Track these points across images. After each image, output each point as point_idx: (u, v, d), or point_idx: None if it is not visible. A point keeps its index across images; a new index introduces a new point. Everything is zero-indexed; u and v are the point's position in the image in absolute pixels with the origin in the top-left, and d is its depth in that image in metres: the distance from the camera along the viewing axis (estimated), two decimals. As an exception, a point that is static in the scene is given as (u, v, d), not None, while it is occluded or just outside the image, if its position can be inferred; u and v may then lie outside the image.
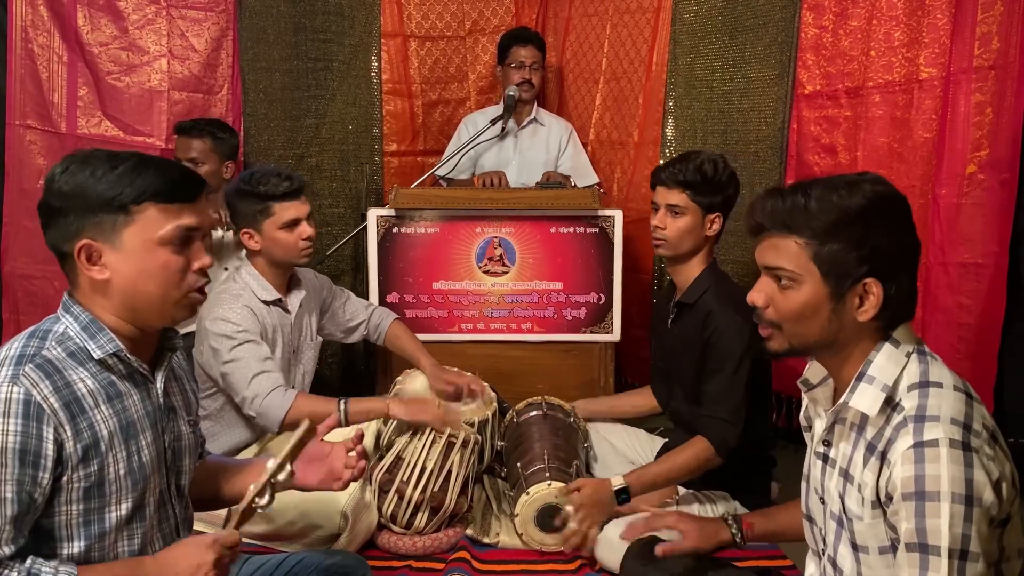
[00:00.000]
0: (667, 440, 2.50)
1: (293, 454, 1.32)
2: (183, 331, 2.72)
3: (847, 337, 1.26)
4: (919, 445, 1.13)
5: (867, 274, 1.20)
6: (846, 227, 1.20)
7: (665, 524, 1.71)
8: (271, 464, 1.29)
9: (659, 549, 1.68)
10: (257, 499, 1.25)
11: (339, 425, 2.20)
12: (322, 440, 1.49)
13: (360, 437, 1.50)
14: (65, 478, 1.16)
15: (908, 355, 1.23)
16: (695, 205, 2.19)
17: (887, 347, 1.24)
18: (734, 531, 1.70)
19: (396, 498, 2.23)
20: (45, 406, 1.14)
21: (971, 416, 1.16)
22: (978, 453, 1.12)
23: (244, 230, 2.28)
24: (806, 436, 1.45)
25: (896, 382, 1.21)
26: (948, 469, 1.10)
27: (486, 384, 2.61)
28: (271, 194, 2.23)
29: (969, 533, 1.09)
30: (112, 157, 1.21)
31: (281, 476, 1.29)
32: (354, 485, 2.15)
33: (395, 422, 2.34)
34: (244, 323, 2.22)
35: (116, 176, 1.19)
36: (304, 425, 1.35)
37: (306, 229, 2.28)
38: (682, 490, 2.27)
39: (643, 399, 2.67)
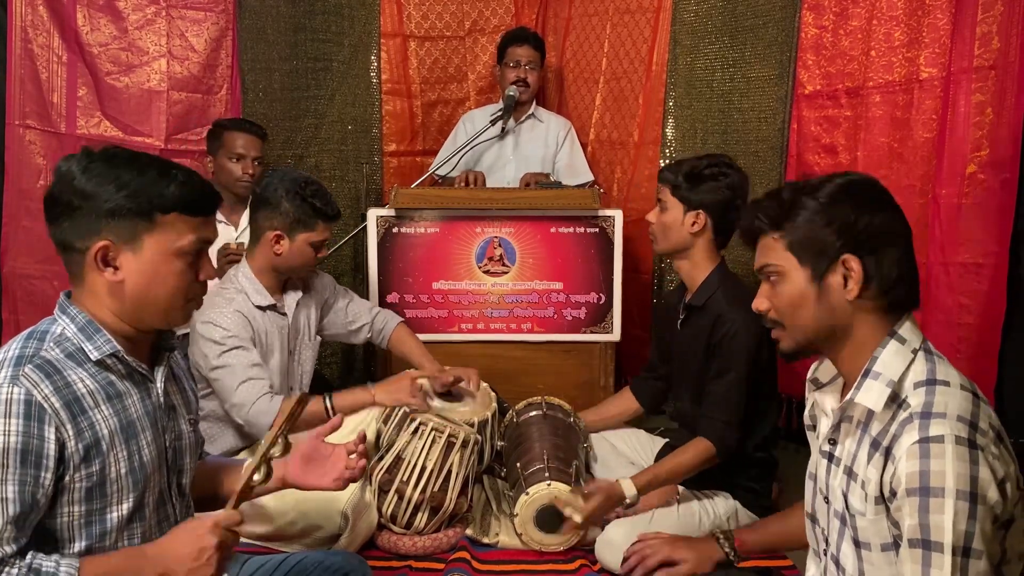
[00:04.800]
0: (667, 440, 2.51)
1: (286, 426, 1.33)
2: (181, 332, 2.74)
3: (844, 323, 1.28)
4: (924, 441, 1.13)
5: (842, 250, 1.24)
6: (814, 211, 1.25)
7: (659, 559, 1.73)
8: (265, 439, 1.31)
9: None
10: (255, 475, 1.26)
11: (327, 416, 2.23)
12: (323, 441, 1.49)
13: (363, 438, 1.50)
14: (67, 478, 1.16)
15: (914, 351, 1.24)
16: (675, 200, 2.24)
17: (893, 343, 1.25)
18: (727, 549, 1.71)
19: (396, 498, 2.23)
20: (46, 406, 1.14)
21: (977, 415, 1.16)
22: (983, 451, 1.12)
23: (276, 232, 2.29)
24: (810, 435, 1.46)
25: (902, 378, 1.22)
26: (953, 465, 1.10)
27: (485, 384, 2.61)
28: (323, 213, 2.31)
29: (973, 530, 1.09)
30: (134, 159, 1.22)
31: (276, 450, 1.30)
32: (354, 485, 2.15)
33: (395, 421, 2.34)
34: (233, 328, 2.23)
35: (145, 181, 1.20)
36: (294, 397, 1.38)
37: (324, 251, 2.39)
38: (682, 489, 2.27)
39: (621, 406, 2.66)
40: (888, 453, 1.18)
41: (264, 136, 2.98)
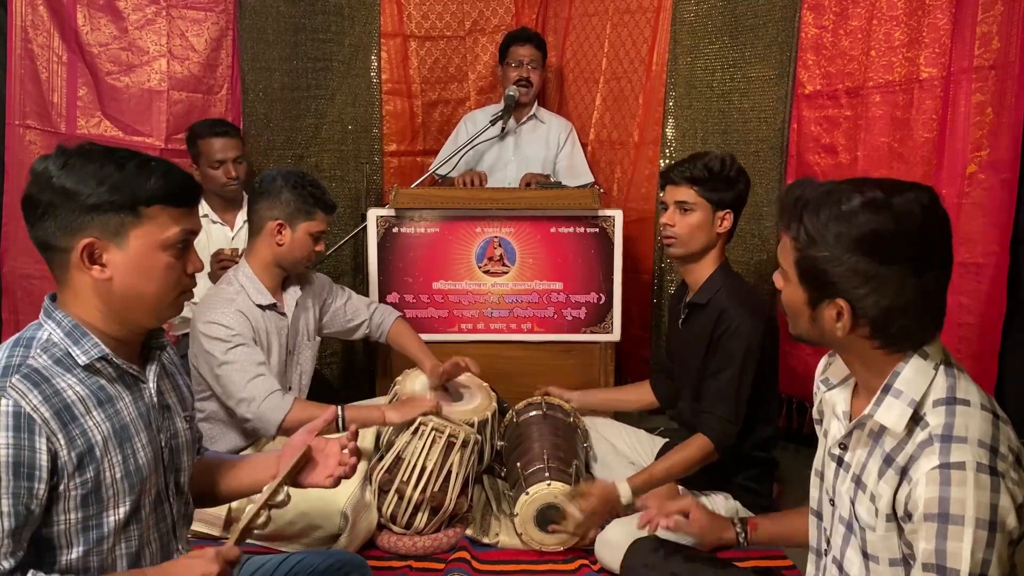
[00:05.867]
0: (667, 440, 2.50)
1: (290, 477, 1.36)
2: (179, 333, 2.74)
3: (839, 346, 1.26)
4: (945, 467, 1.11)
5: (840, 294, 1.18)
6: (830, 246, 1.17)
7: (679, 507, 1.73)
8: (268, 487, 1.32)
9: (664, 521, 1.71)
10: (255, 519, 1.27)
11: (336, 429, 2.21)
12: (317, 436, 1.49)
13: (355, 434, 1.50)
14: (62, 487, 1.15)
15: (936, 367, 1.20)
16: (704, 201, 2.21)
17: (915, 359, 1.20)
18: (739, 531, 1.71)
19: (396, 498, 2.23)
20: (36, 416, 1.12)
21: (998, 438, 1.14)
22: (1004, 478, 1.10)
23: (279, 221, 2.32)
24: (818, 428, 1.44)
25: (924, 397, 1.18)
26: (974, 494, 1.09)
27: (485, 384, 2.61)
28: (324, 203, 2.36)
29: (990, 559, 1.08)
30: (111, 153, 1.21)
31: (278, 498, 1.32)
32: (354, 484, 2.16)
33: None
34: (237, 327, 2.23)
35: (125, 175, 1.19)
36: (302, 451, 1.41)
37: (322, 245, 2.41)
38: (682, 489, 2.27)
39: (639, 394, 2.67)
40: (904, 472, 1.16)
41: (238, 133, 2.96)
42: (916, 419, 1.18)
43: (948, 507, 1.09)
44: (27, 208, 1.22)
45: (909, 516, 1.14)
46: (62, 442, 1.14)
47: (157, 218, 1.21)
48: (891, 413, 1.19)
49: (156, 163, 1.23)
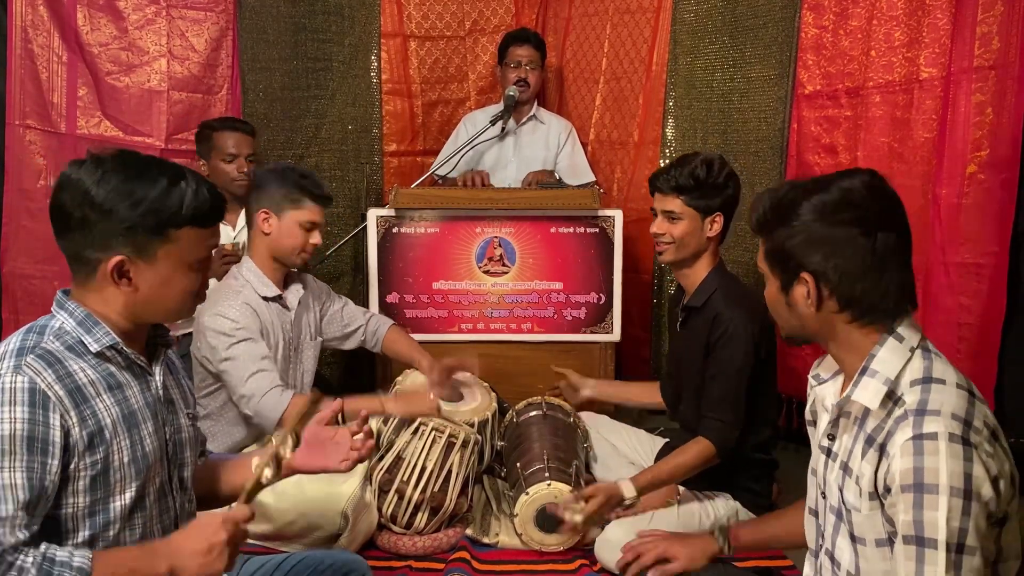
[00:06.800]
0: (668, 440, 2.50)
1: (298, 427, 1.36)
2: (181, 332, 2.74)
3: (818, 329, 1.31)
4: (918, 438, 1.14)
5: (799, 267, 1.27)
6: (787, 226, 1.27)
7: (655, 555, 1.74)
8: (276, 437, 1.33)
9: (650, 574, 1.74)
10: (265, 472, 1.28)
11: (336, 422, 2.21)
12: (327, 424, 1.51)
13: (365, 419, 1.52)
14: (72, 466, 1.18)
15: (912, 350, 1.24)
16: (691, 209, 2.20)
17: (890, 341, 1.25)
18: (721, 542, 1.72)
19: (396, 498, 2.23)
20: (50, 393, 1.16)
21: (972, 413, 1.17)
22: (977, 449, 1.13)
23: (264, 210, 2.32)
24: (810, 431, 1.47)
25: (899, 376, 1.23)
26: (947, 463, 1.11)
27: (485, 384, 2.61)
28: (310, 191, 2.33)
29: (967, 527, 1.10)
30: (146, 170, 1.23)
31: (286, 449, 1.32)
32: (355, 484, 2.16)
33: (395, 421, 2.34)
34: (242, 320, 2.23)
35: (158, 197, 1.21)
36: (308, 396, 1.41)
37: (317, 237, 2.37)
38: (683, 489, 2.27)
39: (650, 394, 2.66)
40: (882, 449, 1.19)
41: (253, 133, 2.97)
42: (894, 399, 1.22)
43: (923, 477, 1.12)
44: (58, 218, 1.24)
45: (888, 490, 1.17)
46: (74, 420, 1.17)
47: (186, 239, 1.26)
48: (867, 392, 1.24)
49: (187, 181, 1.25)
